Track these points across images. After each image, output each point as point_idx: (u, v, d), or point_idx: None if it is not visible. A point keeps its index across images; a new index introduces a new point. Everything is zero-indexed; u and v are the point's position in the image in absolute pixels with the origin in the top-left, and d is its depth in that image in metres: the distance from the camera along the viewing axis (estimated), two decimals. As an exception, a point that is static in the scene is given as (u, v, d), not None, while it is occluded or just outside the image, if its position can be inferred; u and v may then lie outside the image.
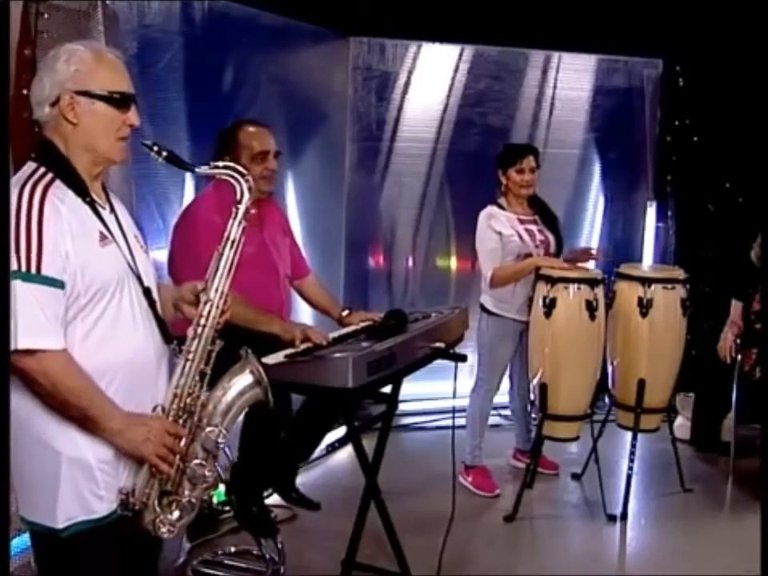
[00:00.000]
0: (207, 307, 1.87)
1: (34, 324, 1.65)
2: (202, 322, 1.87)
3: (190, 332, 1.87)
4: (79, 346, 1.74)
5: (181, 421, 1.83)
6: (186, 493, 1.84)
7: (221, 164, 1.94)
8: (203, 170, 1.94)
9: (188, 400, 1.84)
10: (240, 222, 1.91)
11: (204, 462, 1.85)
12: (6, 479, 1.68)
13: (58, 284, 1.69)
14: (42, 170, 1.77)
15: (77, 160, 1.81)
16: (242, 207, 1.91)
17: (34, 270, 1.65)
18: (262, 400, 1.92)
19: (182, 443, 1.82)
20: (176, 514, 1.83)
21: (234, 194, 1.92)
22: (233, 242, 1.90)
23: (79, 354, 1.73)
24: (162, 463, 1.78)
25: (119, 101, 1.81)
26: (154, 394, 1.86)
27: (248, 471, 3.03)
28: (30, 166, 1.79)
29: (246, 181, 1.91)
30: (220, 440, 1.86)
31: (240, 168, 1.93)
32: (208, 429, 1.85)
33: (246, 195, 1.91)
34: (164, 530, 1.82)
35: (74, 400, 1.70)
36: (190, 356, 1.85)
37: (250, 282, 2.84)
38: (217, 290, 1.88)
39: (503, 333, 4.07)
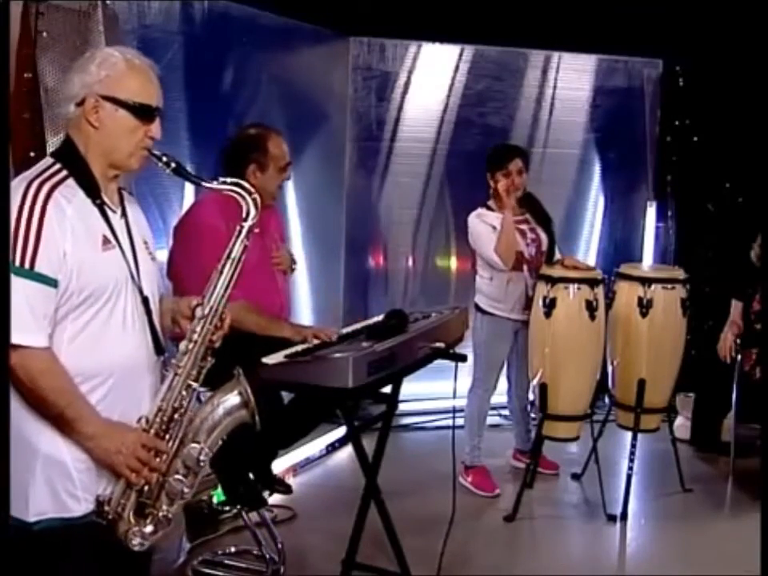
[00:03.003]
0: (201, 323, 1.85)
1: (20, 319, 1.64)
2: (195, 337, 1.84)
3: (182, 346, 1.84)
4: (66, 347, 1.73)
5: (167, 435, 1.81)
6: (164, 507, 1.82)
7: (228, 180, 1.90)
8: (212, 184, 1.90)
9: (174, 415, 1.81)
10: (242, 241, 1.87)
11: (183, 479, 1.83)
12: (6, 479, 1.67)
13: (51, 282, 1.68)
14: (57, 166, 1.77)
15: (94, 162, 1.81)
16: (246, 225, 1.88)
17: (27, 265, 1.65)
18: (248, 422, 1.89)
19: (163, 457, 1.80)
20: (150, 527, 1.81)
21: (239, 208, 1.88)
22: (233, 260, 1.87)
23: (66, 355, 1.73)
24: (131, 475, 1.76)
25: (144, 112, 1.81)
26: (142, 404, 1.84)
27: (229, 450, 3.03)
28: (47, 161, 1.80)
29: (253, 199, 1.88)
30: (202, 458, 1.83)
31: (247, 185, 1.89)
32: (191, 445, 1.83)
33: (252, 212, 1.87)
34: (135, 542, 1.79)
35: (51, 399, 1.70)
36: (179, 370, 1.83)
37: (253, 287, 2.85)
38: (212, 308, 1.86)
39: (498, 331, 4.07)
